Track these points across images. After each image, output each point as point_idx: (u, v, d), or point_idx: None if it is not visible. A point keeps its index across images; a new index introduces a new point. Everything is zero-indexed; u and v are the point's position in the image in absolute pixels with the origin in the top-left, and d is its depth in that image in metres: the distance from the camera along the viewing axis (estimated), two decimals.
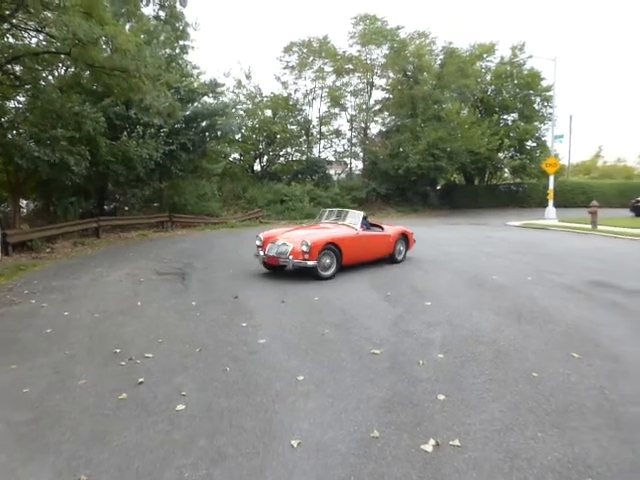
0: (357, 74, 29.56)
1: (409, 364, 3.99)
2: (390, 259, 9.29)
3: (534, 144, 31.06)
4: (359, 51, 28.44)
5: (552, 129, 23.46)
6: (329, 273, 7.87)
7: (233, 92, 26.31)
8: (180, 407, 3.27)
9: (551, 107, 30.23)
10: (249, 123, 27.27)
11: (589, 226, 16.79)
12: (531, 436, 2.83)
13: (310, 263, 7.53)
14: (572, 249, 11.49)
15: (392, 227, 9.89)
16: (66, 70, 15.24)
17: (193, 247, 12.89)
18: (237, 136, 26.87)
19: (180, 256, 10.98)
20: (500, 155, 30.77)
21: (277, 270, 8.44)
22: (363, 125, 30.51)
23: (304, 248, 7.54)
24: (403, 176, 26.62)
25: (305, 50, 28.26)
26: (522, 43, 30.19)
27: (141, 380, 3.74)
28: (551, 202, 23.06)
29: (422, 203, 30.07)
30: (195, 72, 20.35)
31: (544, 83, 30.12)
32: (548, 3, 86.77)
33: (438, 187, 34.05)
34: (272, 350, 4.39)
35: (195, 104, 18.78)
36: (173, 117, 14.29)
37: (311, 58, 28.65)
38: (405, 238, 9.71)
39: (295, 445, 2.75)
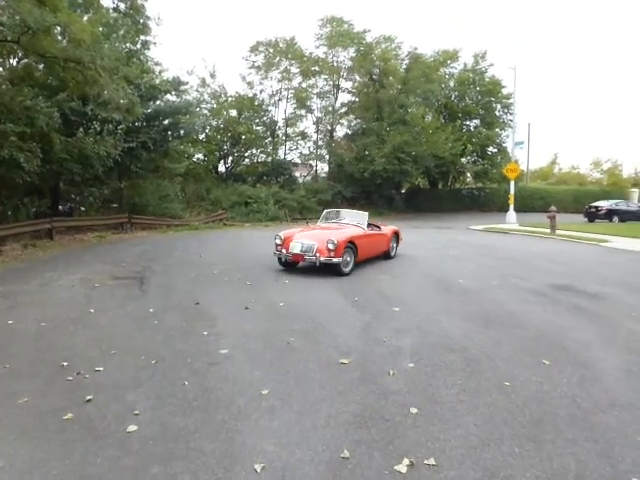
0: (323, 76, 29.54)
1: (379, 374, 3.82)
2: (385, 255, 10.09)
3: (495, 150, 31.92)
4: (325, 53, 28.47)
5: (513, 136, 24.20)
6: (348, 269, 8.47)
7: (197, 91, 25.73)
8: (132, 428, 2.97)
9: (511, 114, 31.20)
10: (213, 123, 26.74)
11: (548, 230, 17.27)
12: (508, 451, 2.71)
13: (335, 260, 8.14)
14: (534, 253, 11.72)
15: (386, 227, 10.71)
16: (18, 62, 14.41)
17: (153, 250, 12.37)
18: (201, 136, 26.30)
19: (139, 259, 10.48)
20: (463, 160, 31.40)
21: (292, 266, 8.97)
22: (329, 127, 30.48)
23: (330, 246, 8.12)
24: (369, 179, 26.72)
25: (271, 50, 27.98)
26: (484, 51, 31.06)
27: (89, 397, 3.41)
28: (512, 207, 23.68)
29: (387, 206, 30.30)
30: (157, 69, 19.69)
31: (505, 91, 31.03)
32: (511, 13, 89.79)
33: (403, 191, 34.43)
34: (235, 361, 4.13)
35: (157, 102, 18.18)
36: (133, 113, 13.71)
37: (277, 58, 28.38)
38: (397, 236, 10.74)
39: (259, 470, 2.52)
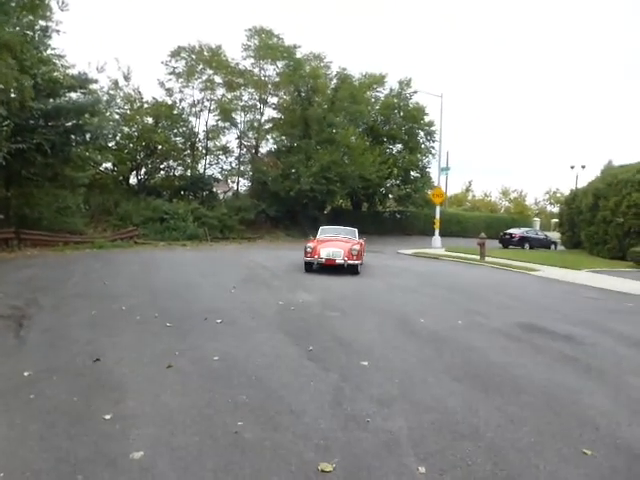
0: (249, 90, 28.23)
1: None
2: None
3: (418, 175, 32.54)
4: (253, 64, 27.23)
5: (439, 161, 24.61)
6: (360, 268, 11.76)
7: (108, 93, 23.05)
8: None
9: (434, 141, 32.12)
10: (126, 130, 24.14)
11: (477, 257, 17.27)
12: None
13: (357, 262, 11.46)
14: (476, 283, 11.25)
15: (358, 240, 13.11)
16: None
17: (44, 275, 10.11)
18: (111, 143, 23.60)
19: (23, 288, 8.28)
20: (388, 183, 31.60)
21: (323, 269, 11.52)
22: (254, 143, 29.10)
23: (354, 252, 11.44)
24: (294, 198, 25.69)
25: (194, 57, 26.15)
26: (409, 79, 31.75)
27: None
28: (437, 231, 23.85)
29: (312, 227, 29.44)
30: (60, 63, 17.02)
31: (429, 118, 31.91)
32: (440, 40, 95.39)
33: (325, 212, 33.89)
34: (155, 476, 2.62)
35: (58, 100, 15.63)
36: (24, 100, 11.28)
37: (200, 66, 26.60)
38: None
39: None
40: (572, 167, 40.99)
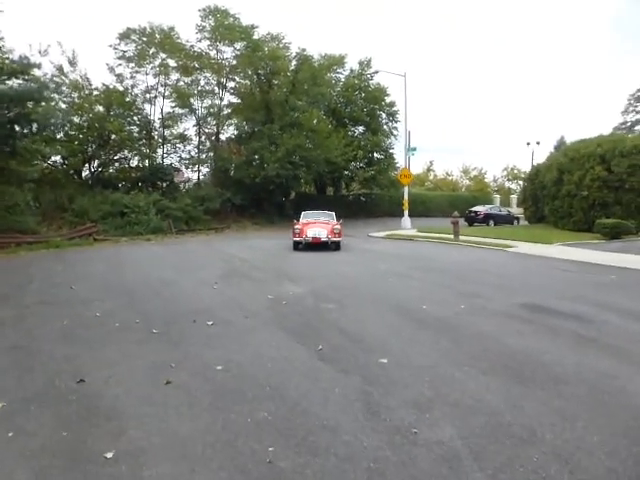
0: (206, 73, 26.94)
1: None
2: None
3: (382, 156, 32.33)
4: (209, 47, 25.95)
5: (406, 141, 24.32)
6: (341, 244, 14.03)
7: (53, 80, 21.30)
8: None
9: (396, 122, 31.94)
10: (75, 119, 22.50)
11: (451, 236, 17.25)
12: None
13: (339, 239, 13.81)
14: (459, 262, 11.13)
15: (337, 221, 15.04)
16: None
17: None
18: (59, 134, 21.97)
19: None
20: (353, 166, 31.23)
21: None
22: (214, 130, 27.94)
23: (335, 231, 13.81)
24: (259, 185, 24.92)
25: (145, 40, 24.60)
26: (369, 59, 31.28)
27: None
28: (406, 212, 23.73)
29: (278, 214, 28.82)
30: None
31: (390, 99, 31.65)
32: (401, 19, 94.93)
33: (291, 197, 33.25)
34: None
35: None
36: None
37: (152, 50, 25.07)
38: None
39: None
40: (528, 144, 42.03)
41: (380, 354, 4.47)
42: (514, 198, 45.37)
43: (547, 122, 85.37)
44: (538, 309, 6.33)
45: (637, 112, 47.24)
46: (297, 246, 13.72)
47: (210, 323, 5.53)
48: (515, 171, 51.59)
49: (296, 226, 13.93)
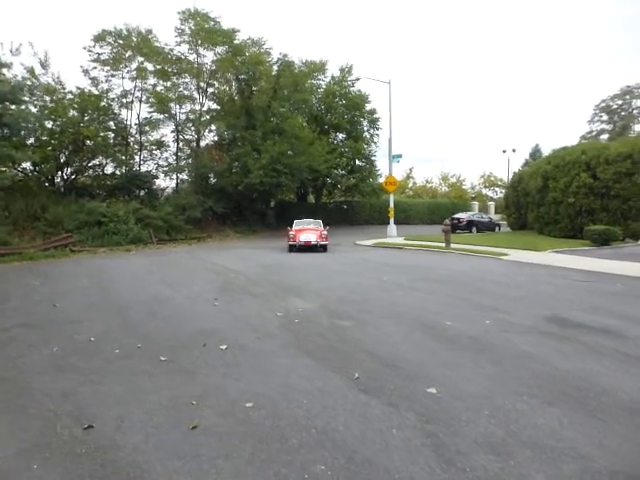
0: (186, 79, 26.19)
1: None
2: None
3: (363, 164, 32.10)
4: (190, 50, 25.19)
5: (390, 148, 24.05)
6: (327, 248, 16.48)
7: (23, 82, 20.17)
8: None
9: (377, 129, 31.79)
10: (48, 124, 21.38)
11: (441, 244, 17.03)
12: None
13: (326, 242, 16.24)
14: (462, 272, 10.79)
15: (323, 228, 17.45)
16: None
17: None
18: (29, 140, 20.82)
19: None
20: (336, 173, 30.90)
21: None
22: (194, 136, 27.13)
23: (323, 236, 16.30)
24: (241, 193, 24.29)
25: (121, 42, 23.71)
26: (350, 65, 31.13)
27: None
28: (392, 220, 23.45)
29: (260, 223, 28.22)
30: None
31: (370, 106, 31.49)
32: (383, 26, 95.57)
33: (272, 205, 32.68)
34: None
35: None
36: None
37: (129, 53, 24.21)
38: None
39: None
40: (504, 151, 42.77)
41: (423, 382, 4.01)
42: (492, 205, 45.96)
43: (521, 130, 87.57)
44: (565, 323, 6.00)
45: (602, 122, 48.85)
46: (292, 249, 16.19)
47: (223, 347, 4.96)
48: (492, 178, 52.30)
49: (290, 232, 16.55)
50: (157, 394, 3.80)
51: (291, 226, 17.58)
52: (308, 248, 16.02)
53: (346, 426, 3.23)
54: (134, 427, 3.25)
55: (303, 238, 16.13)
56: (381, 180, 31.17)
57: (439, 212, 39.32)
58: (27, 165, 22.03)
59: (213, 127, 27.50)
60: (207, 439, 3.07)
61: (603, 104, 47.94)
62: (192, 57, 25.59)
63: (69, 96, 22.31)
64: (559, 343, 5.16)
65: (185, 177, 27.93)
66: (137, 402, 3.66)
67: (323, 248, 16.09)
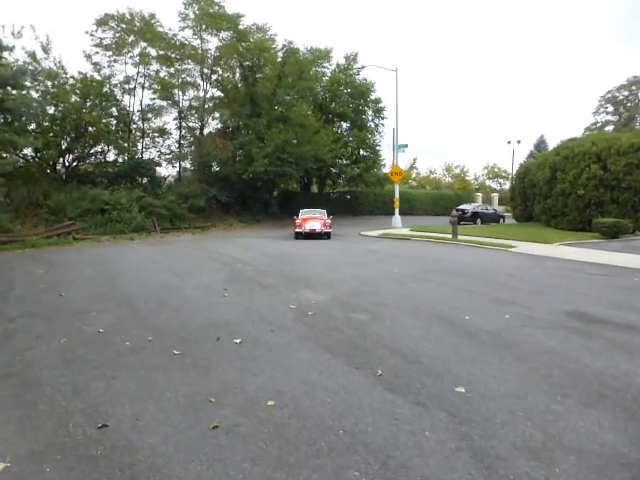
0: (189, 65, 25.79)
1: None
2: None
3: (368, 153, 31.76)
4: (194, 35, 24.78)
5: (396, 138, 23.73)
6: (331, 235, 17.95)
7: (25, 67, 19.82)
8: None
9: (382, 118, 31.40)
10: (50, 110, 21.07)
11: (448, 235, 16.83)
12: None
13: (329, 230, 17.62)
14: (470, 264, 10.63)
15: (327, 217, 18.88)
16: None
17: None
18: (31, 126, 20.54)
19: None
20: (340, 163, 30.58)
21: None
22: (198, 123, 26.79)
23: (327, 224, 17.69)
24: (246, 182, 24.02)
25: (124, 27, 23.30)
26: (355, 53, 30.67)
27: None
28: (397, 211, 23.22)
29: (264, 212, 27.99)
30: None
31: (375, 95, 31.08)
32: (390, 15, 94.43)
33: (275, 195, 32.42)
34: None
35: None
36: None
37: (132, 38, 23.80)
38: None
39: None
40: (509, 142, 42.27)
41: (450, 380, 3.84)
42: (495, 196, 45.63)
43: (526, 121, 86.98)
44: (588, 319, 5.82)
45: (607, 113, 48.36)
46: (298, 236, 17.66)
47: (238, 341, 4.79)
48: (496, 169, 51.91)
49: (297, 220, 18.00)
50: (172, 390, 3.63)
51: (297, 215, 18.90)
52: (313, 235, 17.43)
53: (375, 427, 3.05)
54: (150, 426, 3.08)
55: (309, 226, 17.52)
56: (385, 170, 30.88)
57: (443, 203, 39.06)
58: (28, 151, 21.80)
59: (217, 115, 27.17)
60: (230, 440, 2.89)
61: (609, 95, 47.44)
62: (196, 43, 25.25)
63: (71, 81, 22.05)
64: (585, 339, 4.97)
65: (188, 165, 27.69)
66: (152, 399, 3.49)
67: (327, 235, 17.53)
